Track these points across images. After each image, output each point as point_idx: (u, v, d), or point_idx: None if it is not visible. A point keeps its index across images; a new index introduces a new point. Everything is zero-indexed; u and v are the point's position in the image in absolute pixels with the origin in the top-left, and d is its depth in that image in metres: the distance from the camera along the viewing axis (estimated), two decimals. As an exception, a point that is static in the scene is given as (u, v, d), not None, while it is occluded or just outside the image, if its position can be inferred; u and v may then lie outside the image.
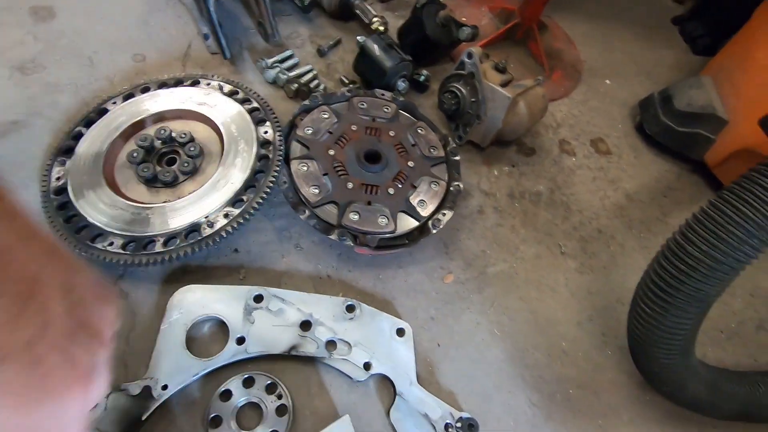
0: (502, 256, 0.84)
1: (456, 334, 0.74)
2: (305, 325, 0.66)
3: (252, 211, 0.67)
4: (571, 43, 1.23)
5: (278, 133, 0.76)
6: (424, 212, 0.76)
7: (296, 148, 0.78)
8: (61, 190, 0.69)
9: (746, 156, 0.93)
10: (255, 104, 0.80)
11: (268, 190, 0.69)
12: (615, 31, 1.32)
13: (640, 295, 0.60)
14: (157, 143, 0.74)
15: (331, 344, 0.66)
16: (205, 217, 0.66)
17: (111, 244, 0.64)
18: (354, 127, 0.83)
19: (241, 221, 0.66)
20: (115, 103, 0.79)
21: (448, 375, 0.70)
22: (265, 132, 0.76)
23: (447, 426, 0.64)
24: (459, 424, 0.64)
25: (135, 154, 0.71)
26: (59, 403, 0.29)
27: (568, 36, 1.24)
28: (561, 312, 0.80)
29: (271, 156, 0.73)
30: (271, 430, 0.59)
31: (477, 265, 0.81)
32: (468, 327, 0.75)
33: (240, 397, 0.60)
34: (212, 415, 0.59)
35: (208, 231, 0.65)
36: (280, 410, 0.61)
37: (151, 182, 0.71)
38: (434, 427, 0.64)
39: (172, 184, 0.71)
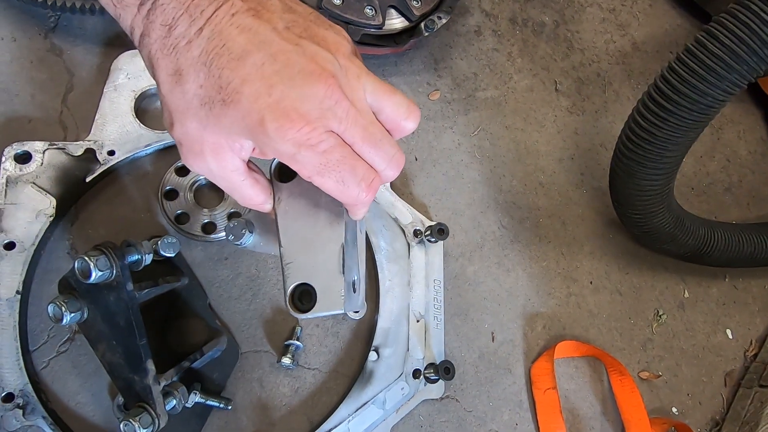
0: (493, 82, 0.77)
1: (435, 151, 0.70)
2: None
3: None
4: None
5: None
6: (417, 11, 0.66)
7: None
8: None
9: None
10: None
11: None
12: None
13: (638, 107, 0.56)
14: None
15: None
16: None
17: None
18: None
19: None
20: None
21: (422, 188, 0.67)
22: None
23: (416, 232, 0.63)
24: (428, 231, 0.63)
25: None
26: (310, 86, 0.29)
27: None
28: (544, 146, 0.77)
29: None
30: (231, 210, 0.56)
31: (466, 87, 0.75)
32: (448, 146, 0.71)
33: (198, 174, 0.55)
34: (167, 188, 0.54)
35: None
36: (243, 193, 0.57)
37: None
38: (403, 232, 0.63)
39: None
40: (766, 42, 0.45)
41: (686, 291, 0.79)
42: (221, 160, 0.31)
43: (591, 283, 0.73)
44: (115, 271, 0.40)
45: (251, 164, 0.34)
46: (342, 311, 0.35)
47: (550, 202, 0.74)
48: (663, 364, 0.73)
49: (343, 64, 0.30)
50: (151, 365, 0.41)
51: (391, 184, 0.65)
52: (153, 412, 0.41)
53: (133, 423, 0.40)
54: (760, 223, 0.79)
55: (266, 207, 0.36)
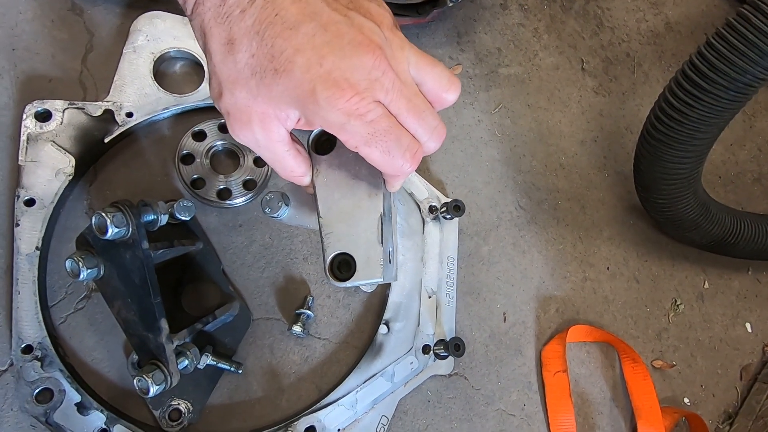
0: (517, 58, 0.74)
1: (454, 127, 0.68)
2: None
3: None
4: None
5: None
6: (443, -20, 0.64)
7: None
8: None
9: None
10: None
11: None
12: None
13: (671, 86, 0.54)
14: None
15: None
16: None
17: (55, -65, 0.51)
18: None
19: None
20: None
21: (440, 164, 0.66)
22: None
23: (432, 208, 0.62)
24: (444, 208, 0.62)
25: None
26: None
27: None
28: (567, 127, 0.75)
29: None
30: (247, 177, 0.56)
31: (489, 63, 0.73)
32: (468, 122, 0.69)
33: (215, 139, 0.55)
34: (184, 152, 0.54)
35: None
36: (259, 161, 0.56)
37: None
38: (419, 207, 0.62)
39: None
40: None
41: (706, 282, 0.77)
42: (268, 130, 0.31)
43: (608, 269, 0.71)
44: (131, 229, 0.40)
45: (293, 136, 0.34)
46: (381, 280, 0.36)
47: (570, 184, 0.72)
48: (678, 354, 0.71)
49: (388, 36, 0.30)
50: (164, 324, 0.42)
51: (408, 158, 0.64)
52: (166, 370, 0.42)
53: (147, 379, 0.40)
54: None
55: (306, 180, 0.37)
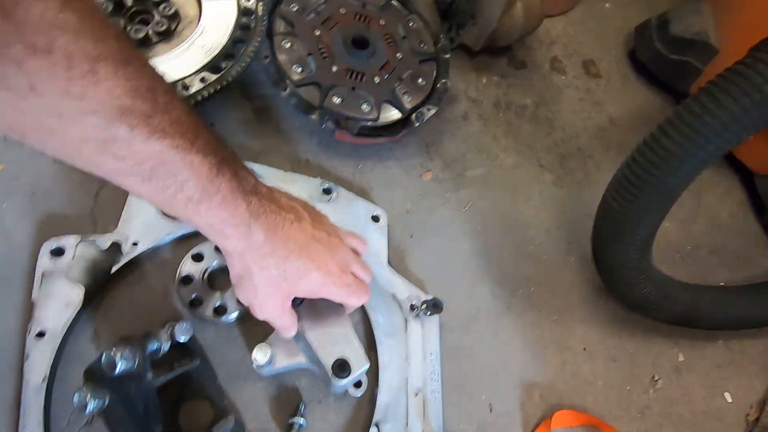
0: (481, 161, 0.84)
1: (429, 228, 0.75)
2: (281, 201, 0.66)
3: (230, 79, 0.64)
4: (576, -40, 1.17)
5: (261, 3, 0.71)
6: (409, 104, 0.75)
7: (280, 24, 0.73)
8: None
9: (730, 88, 0.93)
10: (237, -29, 0.74)
11: (248, 60, 0.66)
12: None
13: (609, 190, 0.62)
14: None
15: (305, 222, 0.67)
16: (180, 80, 0.63)
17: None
18: (342, 10, 0.78)
19: (219, 87, 0.63)
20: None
21: (417, 263, 0.72)
22: (247, 0, 0.71)
23: (413, 306, 0.67)
24: (424, 306, 0.67)
25: (103, 6, 0.66)
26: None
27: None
28: (532, 218, 0.82)
29: (252, 26, 0.69)
30: (241, 292, 0.61)
31: (456, 167, 0.82)
32: (441, 222, 0.76)
33: (212, 260, 0.61)
34: (183, 275, 0.60)
35: (182, 94, 0.62)
36: (252, 276, 0.62)
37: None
38: (401, 307, 0.67)
39: (145, 44, 0.67)
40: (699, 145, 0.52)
41: (681, 354, 0.80)
42: (286, 307, 0.49)
43: (585, 349, 0.75)
44: (137, 362, 0.44)
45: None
46: (368, 365, 0.55)
47: (540, 271, 0.78)
48: (662, 431, 0.73)
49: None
50: (165, 450, 0.44)
51: (390, 260, 0.70)
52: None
53: None
54: (747, 286, 0.83)
55: (293, 331, 0.52)
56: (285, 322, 0.50)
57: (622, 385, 0.74)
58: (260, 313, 0.48)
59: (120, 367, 0.42)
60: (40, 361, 0.51)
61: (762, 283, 0.82)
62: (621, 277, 0.68)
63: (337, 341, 0.54)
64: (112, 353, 0.42)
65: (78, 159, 0.31)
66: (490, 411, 0.66)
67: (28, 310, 0.53)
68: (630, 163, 0.58)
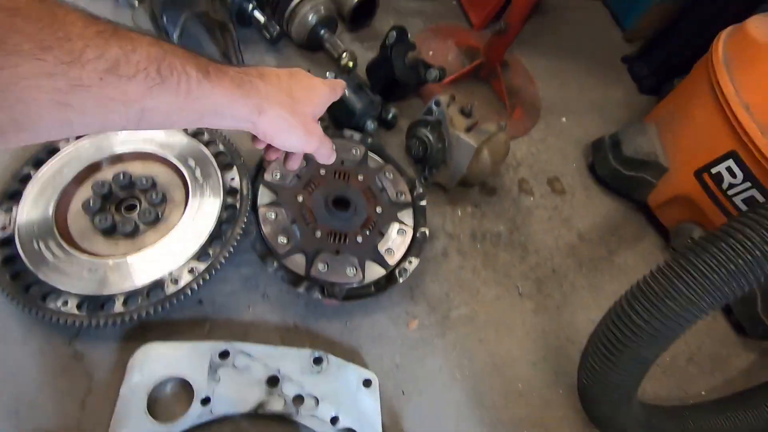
0: (464, 298, 0.87)
1: (420, 380, 0.76)
2: (272, 381, 0.66)
3: (218, 266, 0.66)
4: (530, 80, 1.28)
5: (246, 181, 0.75)
6: (392, 260, 0.78)
7: (264, 194, 0.77)
8: (7, 242, 0.64)
9: (683, 201, 1.02)
10: (221, 147, 0.78)
11: (236, 243, 0.68)
12: (570, 68, 1.39)
13: (589, 352, 0.66)
14: (116, 190, 0.71)
15: (298, 399, 0.67)
16: (169, 273, 0.65)
17: (65, 303, 0.61)
18: (322, 171, 0.83)
19: (207, 277, 0.65)
20: (68, 140, 0.74)
21: (411, 421, 0.73)
22: (232, 179, 0.74)
23: (410, 475, 0.67)
24: (422, 473, 0.67)
25: (91, 203, 0.68)
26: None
27: (527, 72, 1.29)
28: (517, 351, 0.85)
29: (238, 206, 0.72)
30: (237, 493, 0.59)
31: (440, 309, 0.85)
32: (431, 371, 0.78)
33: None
34: (176, 482, 0.58)
35: (171, 288, 0.64)
36: None
37: (110, 233, 0.68)
38: (398, 477, 0.66)
39: (133, 234, 0.68)
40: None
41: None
42: (317, 129, 0.53)
43: (582, 491, 0.76)
44: None
45: None
46: None
47: (531, 410, 0.80)
48: None
49: None
50: None
51: (383, 424, 0.70)
52: None
53: None
54: (727, 399, 0.86)
55: (333, 153, 0.56)
56: (324, 142, 0.53)
57: None
58: (301, 142, 0.49)
59: None
60: None
61: (740, 394, 0.86)
62: (611, 425, 0.70)
63: None
64: None
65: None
66: None
67: None
68: (604, 331, 0.62)
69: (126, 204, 0.71)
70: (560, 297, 0.94)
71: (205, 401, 0.62)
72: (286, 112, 0.46)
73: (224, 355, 0.66)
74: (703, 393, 0.93)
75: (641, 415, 0.73)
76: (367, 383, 0.71)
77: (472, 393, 0.78)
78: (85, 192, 0.71)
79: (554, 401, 0.82)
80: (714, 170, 0.94)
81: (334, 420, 0.67)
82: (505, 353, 0.84)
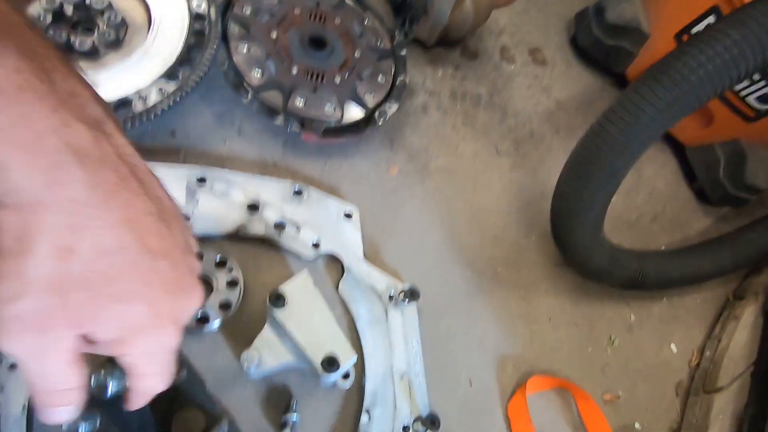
0: (443, 152, 0.88)
1: (399, 220, 0.78)
2: (253, 207, 0.66)
3: (189, 89, 0.63)
4: (516, -49, 1.22)
5: (213, 8, 0.70)
6: (371, 103, 0.77)
7: (234, 29, 0.73)
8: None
9: (660, 69, 1.02)
10: (184, -26, 0.71)
11: (207, 66, 0.65)
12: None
13: (563, 175, 0.68)
14: (68, 8, 0.65)
15: (279, 226, 0.68)
16: (137, 91, 0.61)
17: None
18: (297, 11, 0.78)
19: (178, 99, 0.62)
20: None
21: (391, 255, 0.75)
22: (199, 5, 0.69)
23: (391, 296, 0.70)
24: (402, 294, 0.70)
25: (41, 18, 0.62)
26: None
27: (514, -57, 1.22)
28: (494, 204, 0.87)
29: (206, 31, 0.68)
30: (222, 299, 0.61)
31: (420, 159, 0.85)
32: (411, 214, 0.80)
33: (189, 271, 0.61)
34: (161, 289, 0.59)
35: (140, 107, 0.61)
36: (231, 283, 0.62)
37: (66, 53, 0.63)
38: (380, 298, 0.70)
39: (93, 55, 0.64)
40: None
41: (632, 315, 0.89)
42: None
43: (550, 320, 0.82)
44: (126, 381, 0.44)
45: None
46: (356, 357, 0.57)
47: (505, 252, 0.84)
48: (621, 384, 0.81)
49: None
50: (164, 464, 0.45)
51: (366, 254, 0.72)
52: None
53: None
54: (683, 249, 0.92)
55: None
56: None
57: (583, 347, 0.82)
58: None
59: (111, 388, 0.42)
60: (15, 392, 0.49)
61: (693, 246, 0.93)
62: (578, 251, 0.74)
63: (323, 337, 0.56)
64: (102, 375, 0.42)
65: None
66: (470, 386, 0.71)
67: (-1, 341, 0.51)
68: (579, 149, 0.64)
69: (82, 27, 0.66)
70: (537, 158, 0.96)
71: (185, 219, 0.62)
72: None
73: (202, 180, 0.65)
74: (663, 247, 1.00)
75: (608, 247, 0.78)
76: (348, 215, 0.72)
77: (449, 235, 0.81)
78: (34, 8, 0.65)
79: (526, 246, 0.86)
80: (695, 30, 0.94)
81: (316, 244, 0.68)
82: (482, 203, 0.86)
